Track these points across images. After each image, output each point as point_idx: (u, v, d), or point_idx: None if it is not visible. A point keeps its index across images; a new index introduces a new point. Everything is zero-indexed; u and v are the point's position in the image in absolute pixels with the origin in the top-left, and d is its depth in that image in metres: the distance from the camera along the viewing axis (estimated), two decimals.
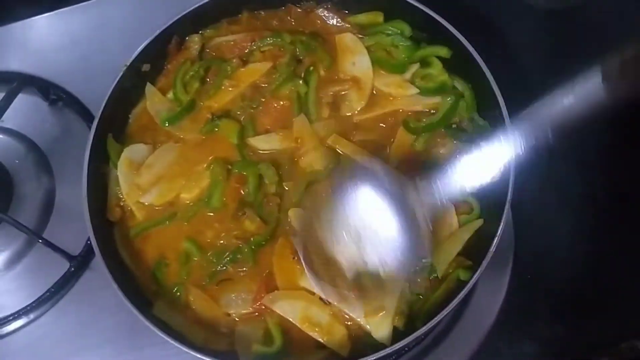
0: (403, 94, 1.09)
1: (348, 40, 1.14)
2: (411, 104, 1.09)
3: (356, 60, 1.13)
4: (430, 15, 1.06)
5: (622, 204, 1.17)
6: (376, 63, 1.11)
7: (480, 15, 1.31)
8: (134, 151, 1.08)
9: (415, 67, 1.10)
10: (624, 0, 1.30)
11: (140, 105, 1.13)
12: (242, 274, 1.00)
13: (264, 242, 1.00)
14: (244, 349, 0.95)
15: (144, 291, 1.01)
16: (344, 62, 1.13)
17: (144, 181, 1.05)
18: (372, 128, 1.09)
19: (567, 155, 1.21)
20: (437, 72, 1.09)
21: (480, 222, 1.00)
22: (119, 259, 1.02)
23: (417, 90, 1.09)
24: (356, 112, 1.09)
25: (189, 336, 0.95)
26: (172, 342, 0.90)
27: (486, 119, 1.05)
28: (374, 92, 1.11)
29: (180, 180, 1.05)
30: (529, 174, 0.97)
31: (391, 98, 1.10)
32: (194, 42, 1.14)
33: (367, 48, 1.12)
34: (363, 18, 1.16)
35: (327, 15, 1.18)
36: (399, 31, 1.12)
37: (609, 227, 1.16)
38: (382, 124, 1.09)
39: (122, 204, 1.06)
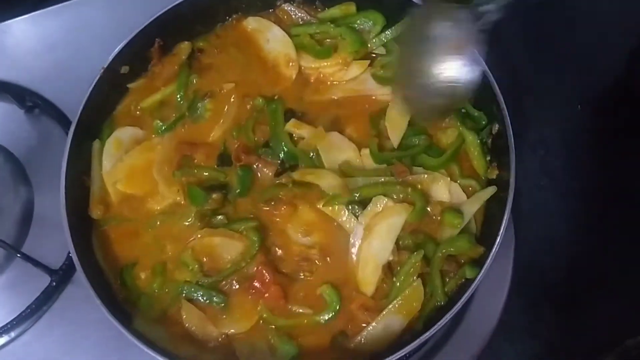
0: (342, 78, 1.09)
1: (251, 22, 1.14)
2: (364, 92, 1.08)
3: (269, 37, 1.12)
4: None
5: (625, 204, 1.16)
6: (300, 49, 1.11)
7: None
8: (125, 133, 1.07)
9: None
10: None
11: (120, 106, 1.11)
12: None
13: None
14: None
15: (124, 303, 0.98)
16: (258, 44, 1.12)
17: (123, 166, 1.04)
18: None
19: (565, 155, 1.21)
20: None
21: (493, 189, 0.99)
22: (99, 270, 0.99)
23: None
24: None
25: (173, 351, 0.91)
26: (158, 357, 0.87)
27: (482, 111, 1.02)
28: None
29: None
30: (529, 174, 0.96)
31: (335, 82, 1.09)
32: (184, 48, 1.12)
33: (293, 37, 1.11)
34: (335, 11, 1.13)
35: (293, 9, 1.15)
36: (370, 21, 1.10)
37: (611, 227, 1.15)
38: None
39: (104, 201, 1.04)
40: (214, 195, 1.00)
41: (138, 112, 1.10)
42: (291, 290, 0.97)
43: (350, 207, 0.97)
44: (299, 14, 1.16)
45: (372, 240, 0.95)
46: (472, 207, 0.99)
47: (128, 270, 0.99)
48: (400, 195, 0.97)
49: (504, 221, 0.92)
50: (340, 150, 1.03)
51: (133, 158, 1.05)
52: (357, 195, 0.97)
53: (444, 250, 0.96)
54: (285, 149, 1.02)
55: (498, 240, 0.91)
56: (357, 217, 0.97)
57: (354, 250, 0.96)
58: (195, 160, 1.05)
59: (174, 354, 0.89)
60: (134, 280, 0.99)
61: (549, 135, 1.22)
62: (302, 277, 0.97)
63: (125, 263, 1.00)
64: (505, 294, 1.09)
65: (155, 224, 1.02)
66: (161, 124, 1.07)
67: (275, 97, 1.08)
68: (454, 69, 0.89)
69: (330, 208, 0.98)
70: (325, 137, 1.03)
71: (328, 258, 0.98)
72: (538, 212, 1.16)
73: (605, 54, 1.26)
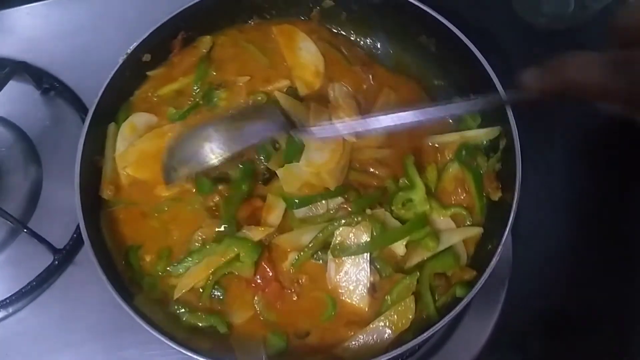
0: None
1: (283, 30, 1.16)
2: None
3: (301, 46, 1.14)
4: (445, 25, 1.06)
5: (619, 225, 1.18)
6: None
7: (481, 31, 1.32)
8: (140, 119, 1.09)
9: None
10: None
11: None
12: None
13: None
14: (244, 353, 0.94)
15: (126, 283, 0.99)
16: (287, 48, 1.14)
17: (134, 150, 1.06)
18: None
19: (565, 174, 1.23)
20: (419, 200, 1.01)
21: (479, 229, 1.00)
22: (106, 249, 1.00)
23: None
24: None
25: (170, 332, 0.92)
26: (156, 334, 0.88)
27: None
28: None
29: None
30: (530, 194, 0.98)
31: None
32: (205, 42, 1.14)
33: None
34: None
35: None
36: None
37: (605, 248, 1.16)
38: None
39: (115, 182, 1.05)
40: (220, 187, 1.02)
41: (155, 99, 1.11)
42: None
43: (314, 256, 0.99)
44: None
45: (344, 269, 0.97)
46: (451, 238, 0.99)
47: (134, 252, 1.01)
48: (359, 218, 0.98)
49: (499, 248, 0.92)
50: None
51: (144, 143, 1.06)
52: (312, 245, 0.98)
53: (429, 270, 0.97)
54: (265, 152, 1.04)
55: (491, 265, 0.91)
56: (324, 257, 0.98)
57: (334, 280, 0.97)
58: None
59: (171, 334, 0.90)
60: (139, 261, 1.00)
61: (552, 157, 1.24)
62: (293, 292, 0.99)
63: (132, 244, 1.02)
64: (497, 313, 1.10)
65: (163, 209, 1.03)
66: (175, 111, 1.09)
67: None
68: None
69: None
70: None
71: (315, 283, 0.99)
72: (537, 233, 1.17)
73: None
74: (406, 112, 0.87)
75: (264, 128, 0.94)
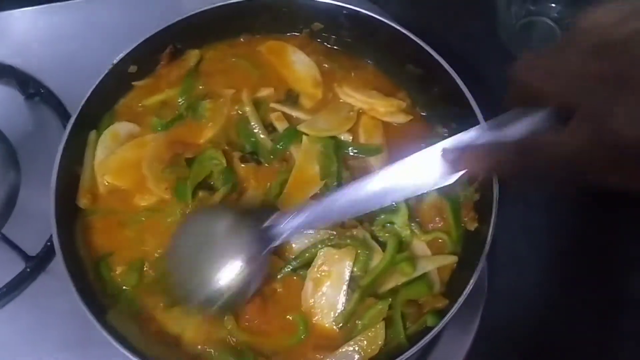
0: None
1: (271, 46, 1.17)
2: None
3: (293, 59, 1.15)
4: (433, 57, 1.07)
5: (597, 258, 1.18)
6: None
7: (467, 61, 1.33)
8: (123, 127, 1.09)
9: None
10: None
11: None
12: None
13: None
14: None
15: (98, 295, 0.98)
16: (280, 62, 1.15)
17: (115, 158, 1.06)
18: None
19: (543, 208, 1.23)
20: (400, 223, 1.02)
21: (454, 258, 1.00)
22: (79, 260, 0.99)
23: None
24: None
25: (143, 349, 0.90)
26: (123, 350, 0.86)
27: None
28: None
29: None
30: (507, 225, 0.98)
31: None
32: (194, 56, 1.14)
33: None
34: None
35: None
36: None
37: (581, 280, 1.16)
38: None
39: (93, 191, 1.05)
40: (200, 193, 1.02)
41: (140, 109, 1.11)
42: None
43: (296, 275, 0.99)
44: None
45: (322, 291, 0.96)
46: (427, 265, 0.99)
47: (104, 261, 1.00)
48: (348, 240, 0.98)
49: (472, 278, 0.92)
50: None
51: (125, 151, 1.06)
52: (298, 261, 0.98)
53: (403, 296, 0.97)
54: (252, 140, 1.06)
55: (463, 294, 0.91)
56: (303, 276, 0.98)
57: (309, 300, 0.97)
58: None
59: (143, 353, 0.88)
60: (110, 272, 0.99)
61: (530, 188, 1.24)
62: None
63: (103, 253, 1.01)
64: (470, 342, 1.09)
65: (140, 219, 1.03)
66: (158, 121, 1.09)
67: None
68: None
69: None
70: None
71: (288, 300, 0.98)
72: (513, 264, 1.17)
73: None
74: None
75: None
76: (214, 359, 0.93)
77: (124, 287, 0.99)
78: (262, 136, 1.08)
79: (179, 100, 1.11)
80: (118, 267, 1.00)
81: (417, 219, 1.03)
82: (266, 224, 0.92)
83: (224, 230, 0.92)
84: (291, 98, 1.14)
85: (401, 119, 1.13)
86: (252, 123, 1.09)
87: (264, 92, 1.13)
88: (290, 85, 1.15)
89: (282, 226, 0.90)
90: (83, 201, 1.03)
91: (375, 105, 1.12)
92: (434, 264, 1.00)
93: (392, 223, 1.01)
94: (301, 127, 1.07)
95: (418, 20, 1.16)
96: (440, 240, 1.03)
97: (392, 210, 1.01)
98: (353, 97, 1.13)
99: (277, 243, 0.91)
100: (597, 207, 1.19)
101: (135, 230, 1.02)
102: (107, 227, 1.03)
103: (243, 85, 1.13)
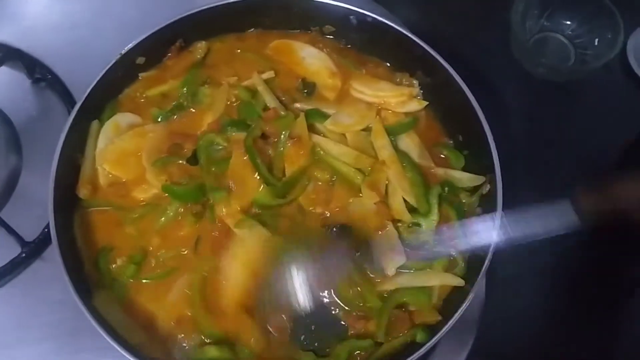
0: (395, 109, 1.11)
1: (280, 44, 1.16)
2: None
3: (304, 55, 1.14)
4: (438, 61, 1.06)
5: (593, 280, 1.17)
6: None
7: (479, 75, 1.32)
8: (125, 119, 1.08)
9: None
10: (618, 83, 1.34)
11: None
12: None
13: None
14: None
15: (88, 281, 0.98)
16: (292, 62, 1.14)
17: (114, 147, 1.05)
18: None
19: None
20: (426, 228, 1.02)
21: (461, 282, 0.99)
22: (75, 248, 0.99)
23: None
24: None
25: (126, 335, 0.91)
26: (108, 338, 0.87)
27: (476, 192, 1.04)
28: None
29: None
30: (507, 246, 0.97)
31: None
32: (200, 47, 1.14)
33: None
34: None
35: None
36: None
37: (578, 300, 1.16)
38: None
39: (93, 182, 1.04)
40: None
41: (142, 100, 1.11)
42: None
43: None
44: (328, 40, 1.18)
45: None
46: (431, 279, 0.99)
47: (105, 254, 0.99)
48: None
49: (469, 296, 0.92)
50: None
51: (124, 141, 1.06)
52: None
53: (399, 297, 0.97)
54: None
55: (459, 312, 0.91)
56: None
57: None
58: (185, 150, 1.05)
59: (125, 340, 0.89)
60: (108, 265, 0.99)
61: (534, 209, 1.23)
62: None
63: (103, 246, 1.00)
64: (464, 357, 1.07)
65: (139, 213, 1.02)
66: (158, 111, 1.09)
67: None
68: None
69: None
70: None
71: None
72: (510, 281, 1.16)
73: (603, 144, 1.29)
74: None
75: (341, 259, 0.96)
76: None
77: (120, 279, 0.99)
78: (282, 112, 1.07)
79: (182, 91, 1.10)
80: (118, 260, 0.99)
81: None
82: None
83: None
84: (309, 88, 1.13)
85: (415, 106, 1.11)
86: (267, 98, 1.08)
87: (265, 74, 1.12)
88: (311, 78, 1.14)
89: None
90: (83, 191, 1.02)
91: (387, 98, 1.11)
92: (440, 280, 0.99)
93: (418, 225, 1.01)
94: (327, 124, 1.06)
95: (430, 30, 1.14)
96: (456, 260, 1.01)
97: (422, 212, 1.01)
98: (363, 92, 1.12)
99: None
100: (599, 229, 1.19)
101: (135, 226, 1.02)
102: (105, 221, 1.03)
103: (249, 75, 1.12)
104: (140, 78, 1.12)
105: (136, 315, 0.96)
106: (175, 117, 1.09)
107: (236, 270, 0.97)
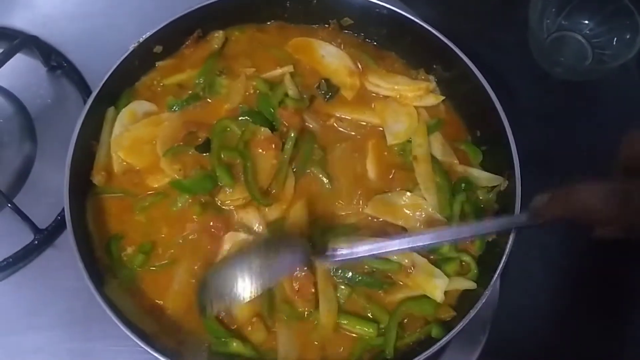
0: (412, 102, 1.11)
1: (300, 42, 1.15)
2: None
3: (323, 53, 1.14)
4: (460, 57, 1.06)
5: (605, 283, 1.16)
6: None
7: (497, 73, 1.32)
8: (141, 106, 1.09)
9: None
10: (635, 83, 1.33)
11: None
12: None
13: None
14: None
15: (100, 268, 0.98)
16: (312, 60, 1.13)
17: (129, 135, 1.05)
18: None
19: (557, 229, 1.22)
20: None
21: (473, 285, 0.98)
22: (87, 234, 0.99)
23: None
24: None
25: (138, 324, 0.92)
26: (121, 326, 0.87)
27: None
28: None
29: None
30: (522, 243, 0.97)
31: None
32: (218, 37, 1.13)
33: None
34: None
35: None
36: None
37: (590, 303, 1.15)
38: None
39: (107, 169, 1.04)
40: None
41: (159, 89, 1.11)
42: None
43: None
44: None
45: None
46: (447, 285, 0.98)
47: (116, 241, 0.99)
48: None
49: (485, 293, 0.92)
50: None
51: (139, 130, 1.06)
52: None
53: (405, 309, 0.96)
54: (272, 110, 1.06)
55: (475, 308, 0.91)
56: None
57: None
58: (199, 139, 1.05)
59: (137, 327, 0.89)
60: (119, 252, 0.99)
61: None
62: None
63: (115, 233, 1.00)
64: (476, 356, 1.07)
65: (149, 202, 1.02)
66: (174, 100, 1.09)
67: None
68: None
69: None
70: None
71: None
72: (524, 281, 1.16)
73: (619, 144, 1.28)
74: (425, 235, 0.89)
75: (292, 260, 0.93)
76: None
77: (129, 266, 0.99)
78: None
79: (198, 81, 1.10)
80: (128, 248, 1.00)
81: None
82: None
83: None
84: (332, 91, 1.12)
85: (431, 100, 1.11)
86: (290, 89, 1.08)
87: (283, 68, 1.12)
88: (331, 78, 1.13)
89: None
90: (97, 178, 1.03)
91: (403, 91, 1.10)
92: (452, 285, 0.98)
93: None
94: (390, 142, 1.06)
95: (447, 28, 1.14)
96: (468, 262, 1.01)
97: None
98: (378, 85, 1.11)
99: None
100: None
101: (146, 214, 1.02)
102: (118, 208, 1.03)
103: (267, 68, 1.12)
104: (157, 66, 1.12)
105: (147, 304, 0.97)
106: (190, 106, 1.09)
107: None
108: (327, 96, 1.11)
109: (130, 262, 0.98)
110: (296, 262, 0.93)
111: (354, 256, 0.90)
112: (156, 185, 1.03)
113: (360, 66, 1.14)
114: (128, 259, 0.99)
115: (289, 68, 1.11)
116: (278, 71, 1.11)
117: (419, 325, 0.96)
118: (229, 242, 0.98)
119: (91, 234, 0.99)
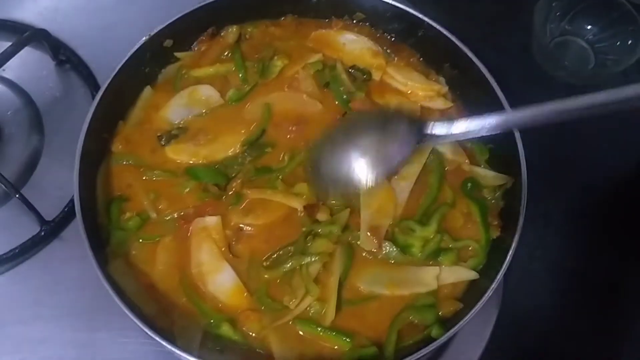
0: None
1: (319, 36, 1.17)
2: None
3: (343, 41, 1.16)
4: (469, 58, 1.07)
5: (607, 282, 1.18)
6: None
7: (500, 76, 1.33)
8: (205, 90, 1.11)
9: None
10: None
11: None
12: None
13: None
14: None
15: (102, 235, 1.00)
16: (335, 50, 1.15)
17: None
18: None
19: (561, 227, 1.23)
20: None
21: (474, 275, 0.99)
22: (93, 200, 1.01)
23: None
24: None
25: (140, 304, 0.92)
26: (123, 307, 0.87)
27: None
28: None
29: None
30: (525, 242, 0.98)
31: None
32: (232, 32, 1.15)
33: None
34: None
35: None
36: None
37: (593, 301, 1.16)
38: None
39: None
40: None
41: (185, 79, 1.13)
42: None
43: None
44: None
45: None
46: (447, 278, 0.99)
47: (119, 203, 1.02)
48: None
49: (490, 288, 0.92)
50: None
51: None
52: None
53: (405, 316, 0.96)
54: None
55: (479, 304, 0.91)
56: None
57: None
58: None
59: (140, 309, 0.90)
60: (119, 214, 1.01)
61: (552, 211, 1.24)
62: None
63: (120, 194, 1.03)
64: (480, 351, 1.08)
65: (159, 175, 1.04)
66: (234, 92, 1.11)
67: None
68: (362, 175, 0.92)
69: None
70: None
71: None
72: (527, 282, 1.17)
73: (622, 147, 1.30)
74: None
75: (404, 143, 0.92)
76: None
77: (124, 229, 1.00)
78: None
79: (239, 76, 1.12)
80: (128, 213, 1.01)
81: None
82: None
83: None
84: (366, 73, 1.13)
85: (440, 104, 1.12)
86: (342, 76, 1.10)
87: (315, 58, 1.14)
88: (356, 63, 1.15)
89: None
90: (117, 146, 1.06)
91: (415, 89, 1.12)
92: (453, 277, 0.99)
93: (413, 230, 1.01)
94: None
95: (454, 30, 1.15)
96: (470, 249, 1.01)
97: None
98: (394, 78, 1.13)
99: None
100: (615, 234, 1.20)
101: (153, 187, 1.03)
102: (127, 174, 1.05)
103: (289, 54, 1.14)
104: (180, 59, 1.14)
105: (146, 283, 0.97)
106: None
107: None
108: (365, 78, 1.13)
109: (126, 224, 1.00)
110: (409, 143, 0.91)
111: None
112: (179, 161, 1.05)
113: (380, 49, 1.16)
114: (126, 222, 1.00)
115: (319, 56, 1.14)
116: (314, 57, 1.13)
117: (417, 330, 0.96)
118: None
119: (97, 197, 1.02)
